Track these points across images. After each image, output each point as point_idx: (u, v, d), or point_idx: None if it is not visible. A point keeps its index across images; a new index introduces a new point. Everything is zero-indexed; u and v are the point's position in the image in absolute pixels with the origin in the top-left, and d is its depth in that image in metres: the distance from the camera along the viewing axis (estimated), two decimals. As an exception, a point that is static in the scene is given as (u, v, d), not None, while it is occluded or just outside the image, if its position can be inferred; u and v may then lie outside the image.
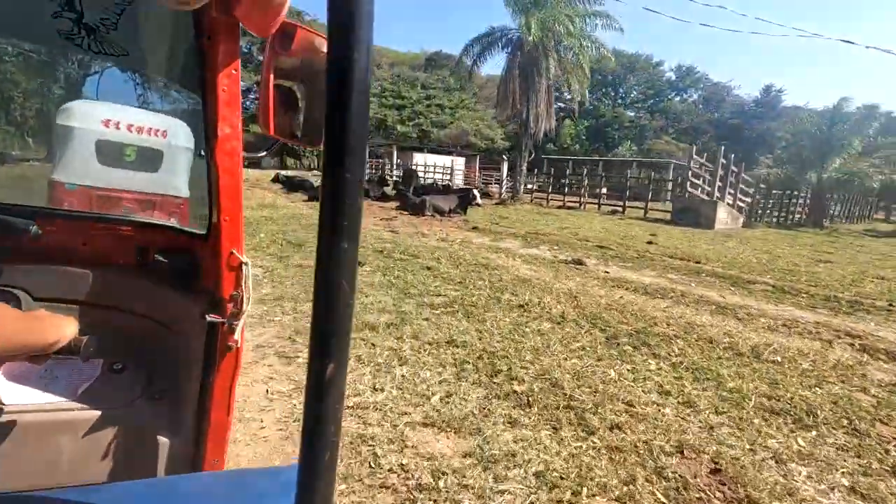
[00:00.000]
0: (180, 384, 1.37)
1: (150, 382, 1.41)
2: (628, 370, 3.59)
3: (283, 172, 22.70)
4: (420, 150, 44.02)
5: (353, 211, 0.32)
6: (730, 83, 53.63)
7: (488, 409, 2.85)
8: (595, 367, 3.59)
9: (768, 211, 21.04)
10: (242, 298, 1.22)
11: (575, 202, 22.41)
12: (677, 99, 54.55)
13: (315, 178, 22.12)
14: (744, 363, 3.89)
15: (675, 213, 18.24)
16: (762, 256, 10.50)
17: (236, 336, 1.22)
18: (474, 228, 11.94)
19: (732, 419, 2.94)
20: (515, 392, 3.09)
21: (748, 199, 19.61)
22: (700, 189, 18.54)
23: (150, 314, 1.47)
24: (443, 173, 35.46)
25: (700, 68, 53.64)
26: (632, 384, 3.34)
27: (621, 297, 5.85)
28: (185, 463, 1.30)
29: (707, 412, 3.00)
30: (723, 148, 17.31)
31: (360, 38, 0.32)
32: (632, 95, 55.22)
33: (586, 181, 21.81)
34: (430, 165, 37.31)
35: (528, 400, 2.97)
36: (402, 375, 3.22)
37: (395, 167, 39.73)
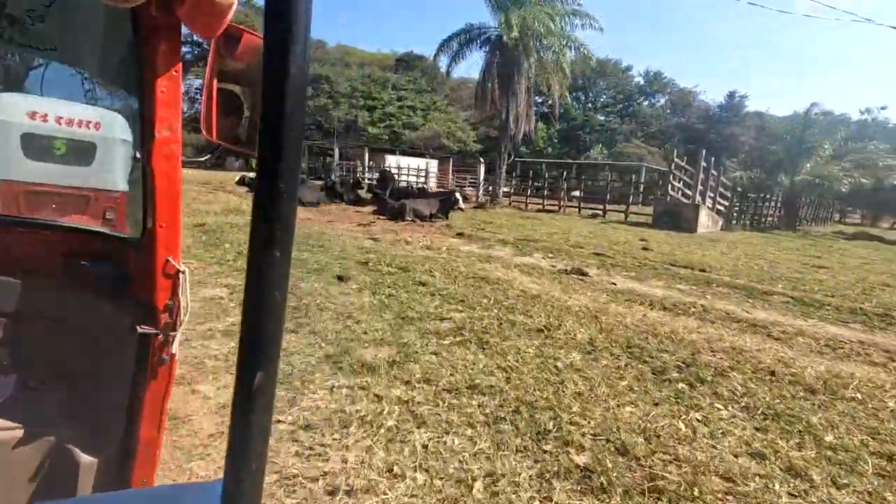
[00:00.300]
0: (107, 399, 1.28)
1: (74, 397, 1.32)
2: (699, 420, 2.89)
3: (249, 175, 21.32)
4: (392, 151, 43.10)
5: (285, 218, 0.32)
6: (695, 88, 54.97)
7: (552, 499, 2.08)
8: (658, 418, 2.87)
9: (742, 214, 21.17)
10: (179, 309, 1.16)
11: (554, 205, 22.00)
12: (646, 103, 55.50)
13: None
14: (823, 404, 3.26)
15: (656, 217, 18.01)
16: (759, 262, 10.16)
17: (173, 349, 1.16)
18: (459, 235, 11.17)
19: (861, 496, 2.26)
20: (578, 466, 2.32)
21: (725, 203, 19.64)
22: (680, 192, 18.41)
23: (76, 324, 1.35)
24: (416, 175, 34.71)
25: (667, 74, 54.68)
26: (713, 444, 2.63)
27: (644, 315, 5.20)
28: (111, 484, 1.21)
29: (825, 486, 2.31)
30: (704, 152, 17.19)
31: (296, 41, 0.31)
32: (602, 99, 55.83)
33: (565, 184, 21.39)
34: (403, 167, 36.53)
35: (600, 482, 2.20)
36: (424, 445, 2.40)
37: (367, 169, 38.70)
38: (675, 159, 17.66)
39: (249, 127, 1.02)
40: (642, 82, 55.15)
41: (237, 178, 19.59)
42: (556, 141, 51.70)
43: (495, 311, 4.91)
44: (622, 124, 52.04)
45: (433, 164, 43.59)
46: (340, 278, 5.70)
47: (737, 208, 21.10)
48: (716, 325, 5.07)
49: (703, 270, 8.27)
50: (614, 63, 53.98)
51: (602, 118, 53.57)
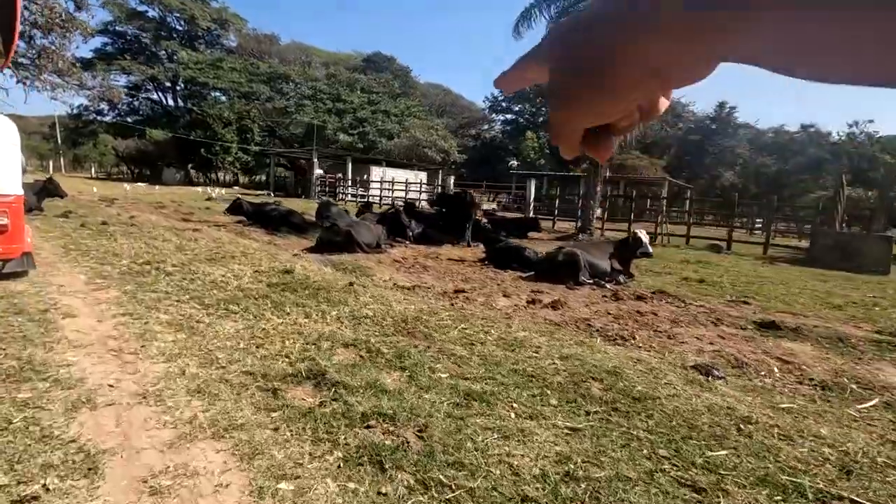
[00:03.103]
0: None
1: None
2: None
3: (245, 197, 14.33)
4: (377, 162, 36.83)
5: None
6: (682, 99, 53.05)
7: None
8: None
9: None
10: None
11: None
12: (634, 113, 52.88)
13: (273, 200, 14.35)
14: None
15: (819, 252, 13.46)
16: None
17: None
18: (764, 328, 5.65)
19: None
20: None
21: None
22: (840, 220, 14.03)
23: None
24: (418, 191, 28.97)
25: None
26: None
27: None
28: None
29: None
30: (882, 168, 12.89)
31: None
32: (588, 108, 52.63)
33: (663, 205, 16.53)
34: (393, 180, 30.83)
35: None
36: None
37: (350, 183, 32.30)
38: (844, 178, 13.20)
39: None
40: (631, 91, 52.48)
41: (227, 202, 12.80)
42: (547, 151, 47.70)
43: None
44: (616, 134, 48.84)
45: (422, 177, 37.93)
46: None
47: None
48: None
49: None
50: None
51: (592, 128, 50.26)
